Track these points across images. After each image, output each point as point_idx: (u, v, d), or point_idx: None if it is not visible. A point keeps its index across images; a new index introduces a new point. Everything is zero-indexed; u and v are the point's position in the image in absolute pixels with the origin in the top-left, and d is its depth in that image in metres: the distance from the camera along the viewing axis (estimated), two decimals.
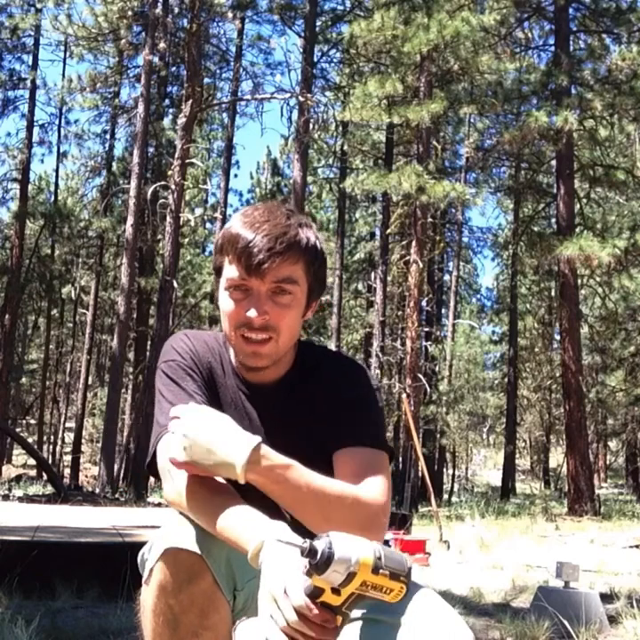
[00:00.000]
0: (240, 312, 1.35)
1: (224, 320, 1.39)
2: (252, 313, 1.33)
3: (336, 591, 1.04)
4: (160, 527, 1.26)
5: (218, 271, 1.40)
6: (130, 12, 19.27)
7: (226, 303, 1.37)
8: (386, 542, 1.42)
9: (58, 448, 28.35)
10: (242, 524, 1.15)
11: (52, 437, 29.89)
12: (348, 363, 1.49)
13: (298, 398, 1.43)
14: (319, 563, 1.02)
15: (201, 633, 1.21)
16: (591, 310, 23.98)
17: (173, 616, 1.20)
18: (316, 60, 19.13)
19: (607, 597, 4.54)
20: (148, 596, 1.22)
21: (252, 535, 1.12)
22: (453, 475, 30.01)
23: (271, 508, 1.25)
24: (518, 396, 25.77)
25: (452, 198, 15.75)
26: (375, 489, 1.29)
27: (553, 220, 20.38)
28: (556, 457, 29.53)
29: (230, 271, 1.36)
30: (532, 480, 29.72)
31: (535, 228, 19.91)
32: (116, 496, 13.67)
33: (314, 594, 1.04)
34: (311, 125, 17.86)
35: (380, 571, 1.04)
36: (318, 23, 19.43)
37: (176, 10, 19.00)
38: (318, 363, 1.47)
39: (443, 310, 28.05)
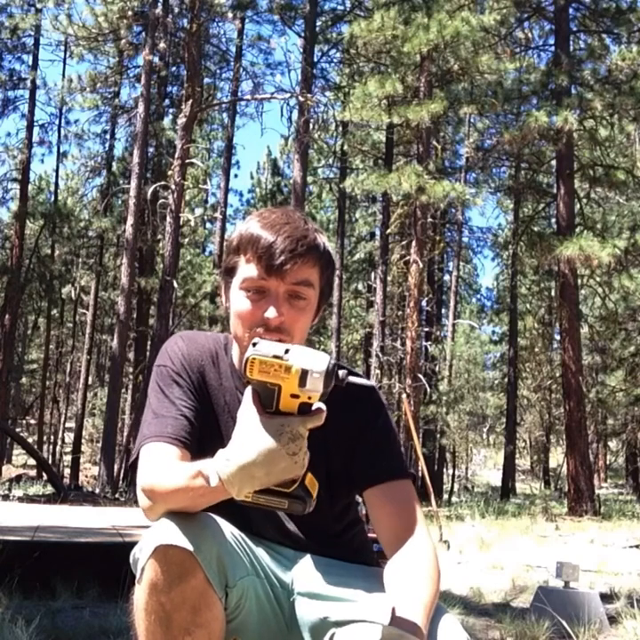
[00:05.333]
0: (256, 312, 1.34)
1: (235, 320, 1.37)
2: (270, 313, 1.32)
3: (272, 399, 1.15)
4: (151, 526, 1.27)
5: (230, 271, 1.39)
6: (130, 12, 19.25)
7: (240, 303, 1.36)
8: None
9: (58, 448, 28.36)
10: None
11: (52, 437, 29.89)
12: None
13: None
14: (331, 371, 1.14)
15: (193, 630, 1.20)
16: (591, 310, 23.97)
17: (165, 614, 1.19)
18: (316, 59, 19.12)
19: (607, 597, 4.54)
20: (139, 595, 1.22)
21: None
22: (453, 475, 29.99)
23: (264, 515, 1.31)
24: (518, 396, 25.77)
25: (451, 198, 15.75)
26: (425, 539, 1.35)
27: (553, 220, 20.38)
28: (556, 457, 29.52)
29: (248, 271, 1.35)
30: (532, 480, 29.73)
31: (535, 228, 19.89)
32: (116, 496, 13.67)
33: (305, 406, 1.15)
34: (311, 125, 17.87)
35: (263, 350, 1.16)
36: (318, 23, 19.42)
37: (176, 10, 19.01)
38: None
39: (443, 310, 28.05)
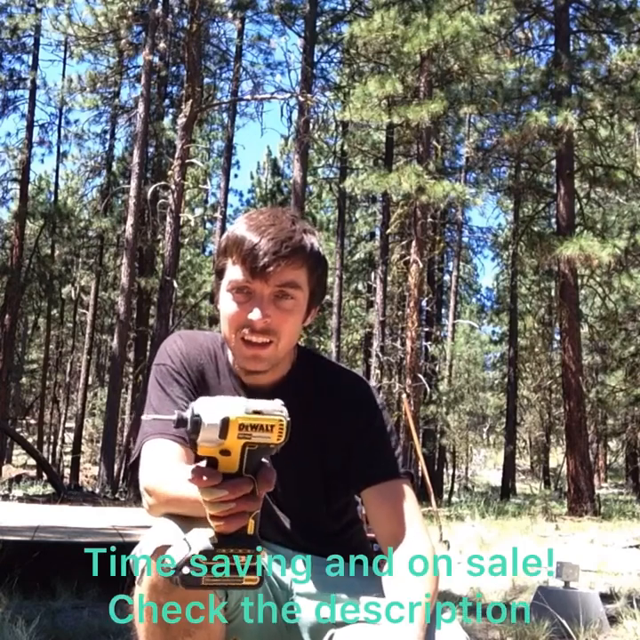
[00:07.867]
0: (242, 314, 1.35)
1: (224, 322, 1.38)
2: (255, 315, 1.33)
3: (226, 453, 1.04)
4: (151, 526, 1.27)
5: (220, 273, 1.40)
6: (130, 12, 19.26)
7: (227, 305, 1.37)
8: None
9: (58, 448, 28.35)
10: None
11: (52, 437, 29.88)
12: (355, 379, 1.51)
13: (295, 403, 1.44)
14: (191, 421, 1.02)
15: (193, 631, 1.20)
16: (591, 310, 23.96)
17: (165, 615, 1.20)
18: (316, 59, 19.13)
19: (607, 597, 4.53)
20: (139, 596, 1.22)
21: None
22: (453, 475, 29.99)
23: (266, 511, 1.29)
24: (518, 396, 25.76)
25: (451, 198, 15.74)
26: (423, 538, 1.36)
27: (553, 220, 20.37)
28: (556, 457, 29.51)
29: (234, 273, 1.36)
30: (532, 480, 29.72)
31: (535, 228, 19.88)
32: (116, 496, 13.68)
33: (209, 463, 1.04)
34: (311, 125, 17.87)
35: (253, 410, 1.05)
36: (318, 23, 19.43)
37: (176, 10, 19.01)
38: (320, 372, 1.48)
39: (443, 310, 28.05)
